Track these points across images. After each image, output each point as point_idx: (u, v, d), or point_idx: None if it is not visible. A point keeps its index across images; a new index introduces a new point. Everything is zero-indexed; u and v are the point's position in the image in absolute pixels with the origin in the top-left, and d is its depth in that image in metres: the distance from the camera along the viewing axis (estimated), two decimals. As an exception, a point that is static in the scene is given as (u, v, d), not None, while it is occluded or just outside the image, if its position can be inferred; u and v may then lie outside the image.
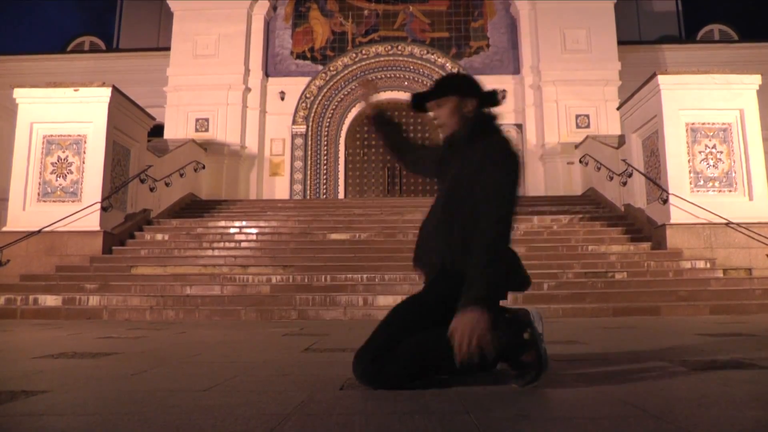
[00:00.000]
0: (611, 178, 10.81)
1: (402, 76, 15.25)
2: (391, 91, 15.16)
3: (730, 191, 8.91)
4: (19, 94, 9.36)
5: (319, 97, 15.14)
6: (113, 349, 3.42)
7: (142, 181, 10.19)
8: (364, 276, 7.58)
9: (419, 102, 2.32)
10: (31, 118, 9.25)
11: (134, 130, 10.33)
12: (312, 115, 15.07)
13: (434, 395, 1.87)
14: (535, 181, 14.31)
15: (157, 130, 13.33)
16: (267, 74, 15.36)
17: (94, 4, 21.31)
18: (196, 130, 14.36)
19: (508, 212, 2.04)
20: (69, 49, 19.07)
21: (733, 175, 8.94)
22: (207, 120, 14.48)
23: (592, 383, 2.09)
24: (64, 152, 9.19)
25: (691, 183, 8.92)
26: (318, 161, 14.95)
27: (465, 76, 2.39)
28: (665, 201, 8.85)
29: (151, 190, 10.45)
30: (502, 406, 1.71)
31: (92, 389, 2.10)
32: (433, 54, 15.22)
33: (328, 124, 15.11)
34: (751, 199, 8.83)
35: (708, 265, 8.16)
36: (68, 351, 3.32)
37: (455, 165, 2.18)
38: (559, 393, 1.92)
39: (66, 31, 20.15)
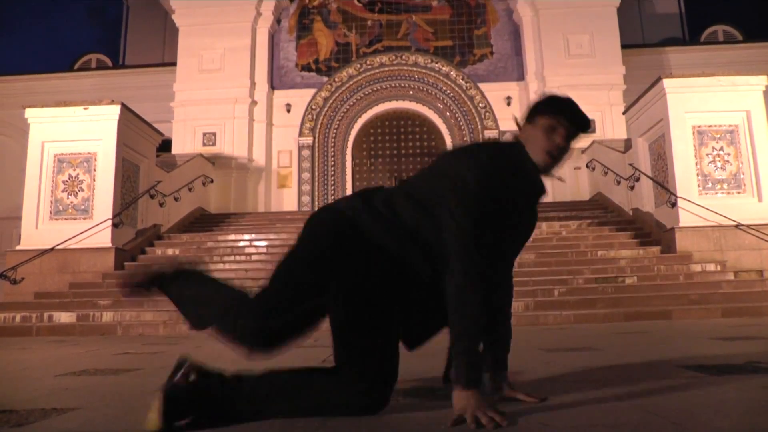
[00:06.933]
0: (619, 183, 10.82)
1: (407, 85, 15.32)
2: (397, 100, 15.25)
3: (739, 193, 8.91)
4: (30, 114, 9.48)
5: (325, 109, 15.22)
6: (133, 365, 3.47)
7: (151, 197, 10.28)
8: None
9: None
10: (42, 137, 9.37)
11: (143, 146, 10.42)
12: (318, 126, 15.15)
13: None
14: (542, 187, 14.33)
15: (165, 146, 13.44)
16: (273, 87, 15.46)
17: (100, 22, 21.55)
18: (204, 145, 14.45)
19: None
20: (76, 67, 19.25)
21: (742, 176, 8.95)
22: (214, 134, 14.57)
23: (611, 390, 2.12)
24: (75, 170, 9.29)
25: (699, 186, 8.93)
26: (325, 172, 15.01)
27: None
28: (673, 204, 8.86)
29: (161, 205, 10.53)
30: (525, 416, 1.74)
31: (122, 405, 2.15)
32: (437, 63, 15.28)
33: (334, 135, 15.18)
34: (760, 200, 8.83)
35: (718, 268, 8.15)
36: (89, 368, 3.37)
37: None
38: (579, 401, 1.95)
39: (73, 50, 20.39)
